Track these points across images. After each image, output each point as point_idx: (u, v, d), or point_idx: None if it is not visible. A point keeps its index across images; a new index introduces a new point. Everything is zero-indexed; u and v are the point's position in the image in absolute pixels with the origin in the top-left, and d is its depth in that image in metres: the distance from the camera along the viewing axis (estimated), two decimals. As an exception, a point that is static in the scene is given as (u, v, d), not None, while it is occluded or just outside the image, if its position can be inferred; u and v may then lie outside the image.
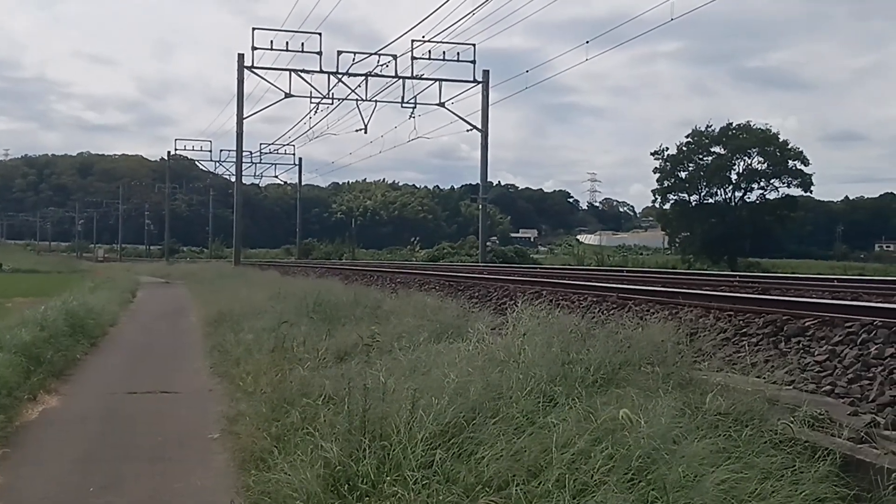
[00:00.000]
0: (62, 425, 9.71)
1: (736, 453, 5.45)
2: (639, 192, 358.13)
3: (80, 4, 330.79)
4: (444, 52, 47.10)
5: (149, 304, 30.32)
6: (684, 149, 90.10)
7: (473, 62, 47.99)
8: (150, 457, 8.23)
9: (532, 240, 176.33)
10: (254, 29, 47.68)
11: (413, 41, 46.28)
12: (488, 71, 49.49)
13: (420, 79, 48.76)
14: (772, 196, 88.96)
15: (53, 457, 8.27)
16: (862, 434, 5.80)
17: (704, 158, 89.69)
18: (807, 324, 9.23)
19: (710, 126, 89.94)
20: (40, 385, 11.46)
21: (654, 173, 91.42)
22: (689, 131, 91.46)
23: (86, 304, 19.57)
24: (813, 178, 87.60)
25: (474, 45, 47.18)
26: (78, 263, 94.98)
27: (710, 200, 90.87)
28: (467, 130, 50.89)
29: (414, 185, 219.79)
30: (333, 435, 6.29)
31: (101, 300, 23.39)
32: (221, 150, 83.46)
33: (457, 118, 50.34)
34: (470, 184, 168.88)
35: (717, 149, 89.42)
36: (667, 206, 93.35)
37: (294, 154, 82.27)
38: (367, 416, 6.23)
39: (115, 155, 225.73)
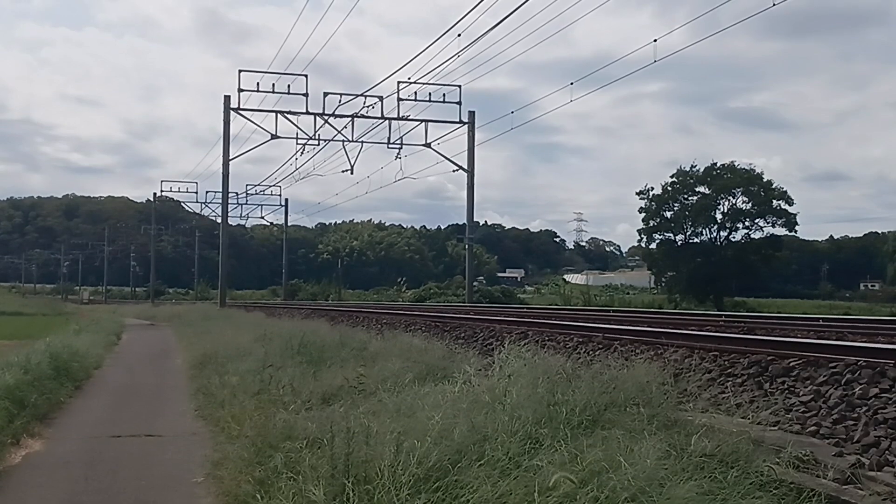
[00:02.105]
0: (45, 469, 9.61)
1: (721, 495, 5.45)
2: (625, 232, 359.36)
3: (65, 48, 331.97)
4: (429, 94, 47.52)
5: (134, 347, 30.13)
6: (669, 189, 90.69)
7: (459, 103, 48.37)
8: (134, 500, 8.15)
9: (519, 279, 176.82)
10: (240, 71, 47.96)
11: (399, 83, 46.62)
12: (474, 112, 49.85)
13: (406, 120, 49.05)
14: (757, 236, 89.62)
15: (36, 501, 8.18)
16: (847, 475, 5.81)
17: (689, 198, 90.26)
18: (791, 364, 9.25)
19: (695, 166, 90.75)
20: (24, 429, 11.34)
21: (640, 213, 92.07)
22: (674, 171, 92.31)
23: (70, 347, 19.41)
24: (797, 217, 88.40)
25: (460, 86, 47.62)
26: (63, 306, 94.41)
27: (696, 240, 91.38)
28: (453, 171, 51.15)
29: (401, 225, 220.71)
30: (317, 478, 6.25)
31: (86, 343, 23.22)
32: (207, 192, 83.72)
33: (443, 158, 50.65)
34: (457, 224, 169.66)
35: (701, 189, 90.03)
36: (653, 246, 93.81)
37: (280, 195, 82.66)
38: (350, 460, 6.19)
39: (101, 197, 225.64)
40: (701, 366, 10.02)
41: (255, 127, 50.46)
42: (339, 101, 48.54)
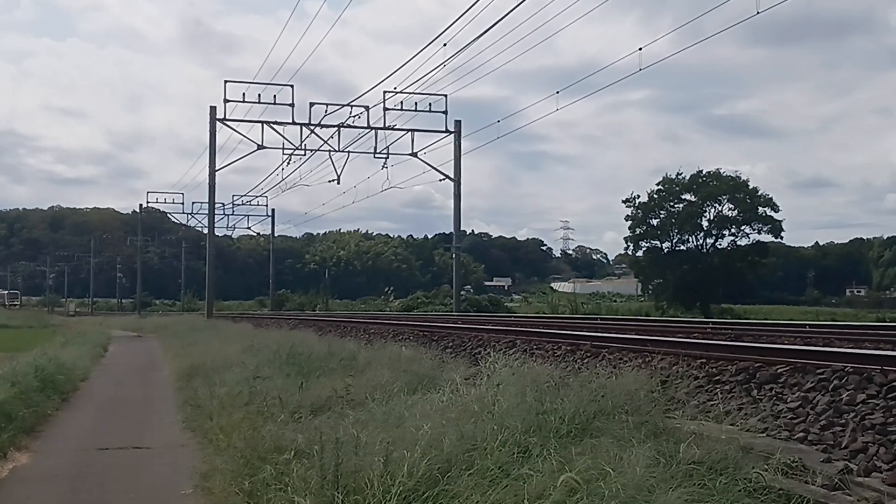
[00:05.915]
0: (33, 483, 9.56)
1: (711, 502, 5.46)
2: (612, 240, 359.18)
3: (49, 58, 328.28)
4: (416, 103, 47.52)
5: (121, 359, 30.00)
6: (655, 196, 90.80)
7: (445, 112, 48.37)
8: (122, 514, 8.12)
9: (506, 288, 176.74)
10: (226, 81, 47.80)
11: (385, 92, 46.55)
12: (460, 121, 49.94)
13: (392, 129, 49.01)
14: (743, 243, 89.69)
15: (23, 516, 8.15)
16: (835, 481, 5.82)
17: (676, 206, 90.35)
18: (779, 370, 9.26)
19: (681, 174, 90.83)
20: (10, 442, 11.29)
21: (627, 221, 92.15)
22: (660, 179, 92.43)
23: (57, 360, 19.32)
24: (783, 224, 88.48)
25: (446, 95, 47.59)
26: (49, 318, 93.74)
27: (682, 247, 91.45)
28: (440, 180, 51.17)
29: (388, 234, 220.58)
30: (306, 490, 6.23)
31: (73, 355, 23.13)
32: (194, 203, 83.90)
33: (429, 168, 50.68)
34: (444, 233, 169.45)
35: (687, 196, 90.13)
36: (639, 254, 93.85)
37: (267, 205, 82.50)
38: (339, 471, 6.18)
39: (87, 208, 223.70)
40: (688, 373, 10.04)
41: (242, 137, 50.39)
42: (325, 111, 48.51)
